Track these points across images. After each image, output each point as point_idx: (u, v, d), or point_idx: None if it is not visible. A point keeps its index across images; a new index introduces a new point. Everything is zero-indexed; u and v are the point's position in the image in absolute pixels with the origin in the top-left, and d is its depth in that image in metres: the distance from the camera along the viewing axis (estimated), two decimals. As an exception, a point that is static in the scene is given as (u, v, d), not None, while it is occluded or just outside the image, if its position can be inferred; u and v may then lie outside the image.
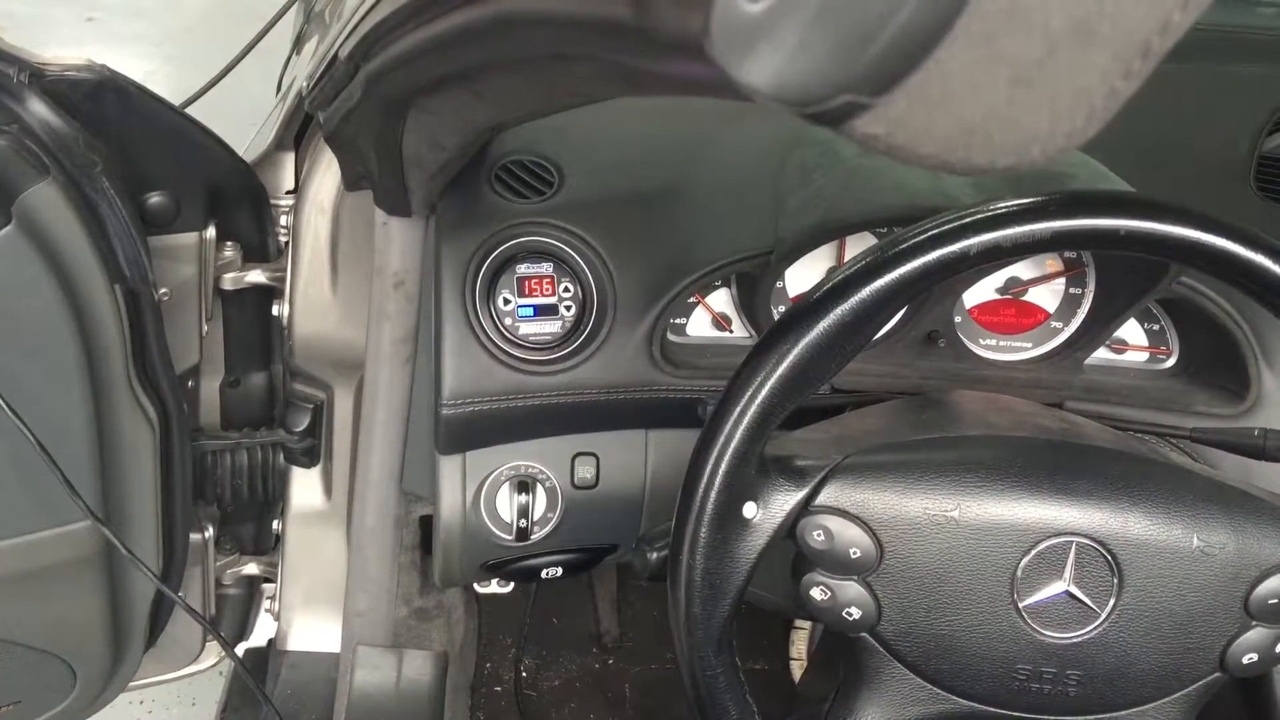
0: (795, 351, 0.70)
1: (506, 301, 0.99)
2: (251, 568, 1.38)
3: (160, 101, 1.03)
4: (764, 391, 0.71)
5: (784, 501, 0.75)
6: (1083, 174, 0.97)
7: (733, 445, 0.72)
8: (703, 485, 0.73)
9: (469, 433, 0.99)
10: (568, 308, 0.99)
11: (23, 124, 0.93)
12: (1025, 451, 0.79)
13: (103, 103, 0.98)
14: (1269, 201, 1.04)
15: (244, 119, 1.57)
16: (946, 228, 0.70)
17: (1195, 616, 0.76)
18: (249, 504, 1.33)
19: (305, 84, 1.01)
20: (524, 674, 1.57)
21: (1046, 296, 1.06)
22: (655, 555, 0.85)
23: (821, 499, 0.76)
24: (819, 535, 0.75)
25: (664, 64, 0.33)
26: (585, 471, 1.02)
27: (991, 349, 1.06)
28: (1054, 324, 1.06)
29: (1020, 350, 1.07)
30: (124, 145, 1.01)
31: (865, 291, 0.70)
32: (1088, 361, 1.06)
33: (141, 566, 1.04)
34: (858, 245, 1.03)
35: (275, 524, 1.38)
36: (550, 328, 0.99)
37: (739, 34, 0.26)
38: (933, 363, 1.03)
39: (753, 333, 1.06)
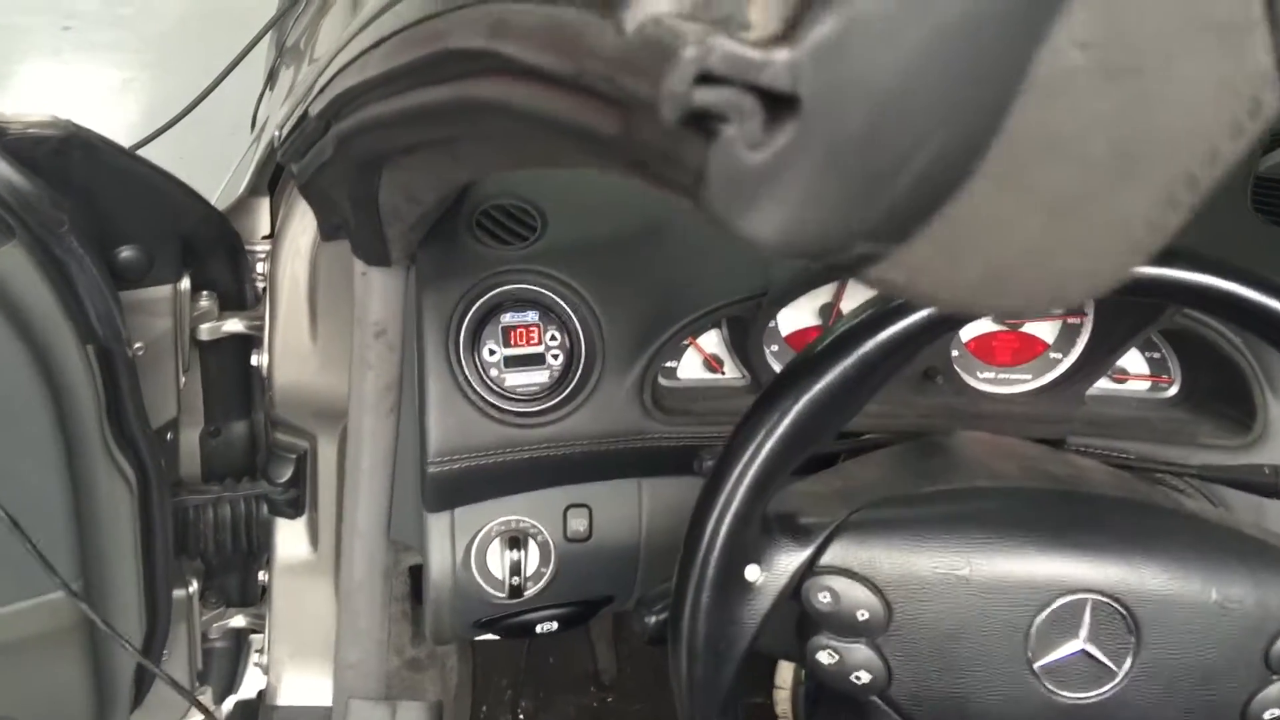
0: (797, 409, 0.68)
1: (492, 352, 0.96)
2: (238, 620, 1.35)
3: (128, 154, 1.00)
4: (765, 450, 0.69)
5: (788, 562, 0.73)
6: None
7: (734, 507, 0.69)
8: (703, 548, 0.70)
9: (457, 489, 0.96)
10: (555, 356, 0.96)
11: None
12: (1036, 504, 0.76)
13: (68, 158, 0.95)
14: (1267, 223, 1.01)
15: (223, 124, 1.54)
16: None
17: (1215, 673, 0.73)
18: (233, 556, 1.29)
19: (277, 134, 0.98)
20: (522, 717, 1.54)
21: (1044, 327, 1.04)
22: (654, 619, 0.82)
23: (827, 559, 0.73)
24: (825, 597, 0.73)
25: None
26: (578, 524, 0.99)
27: (990, 382, 1.04)
28: (1053, 355, 1.04)
29: (1019, 383, 1.04)
30: (92, 200, 0.98)
31: (869, 345, 0.67)
32: (1089, 392, 1.04)
33: (123, 642, 1.01)
34: (857, 285, 1.00)
35: (261, 575, 1.35)
36: (538, 378, 0.96)
37: (738, 186, 0.23)
38: (931, 399, 1.01)
39: (745, 374, 1.03)
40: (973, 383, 1.03)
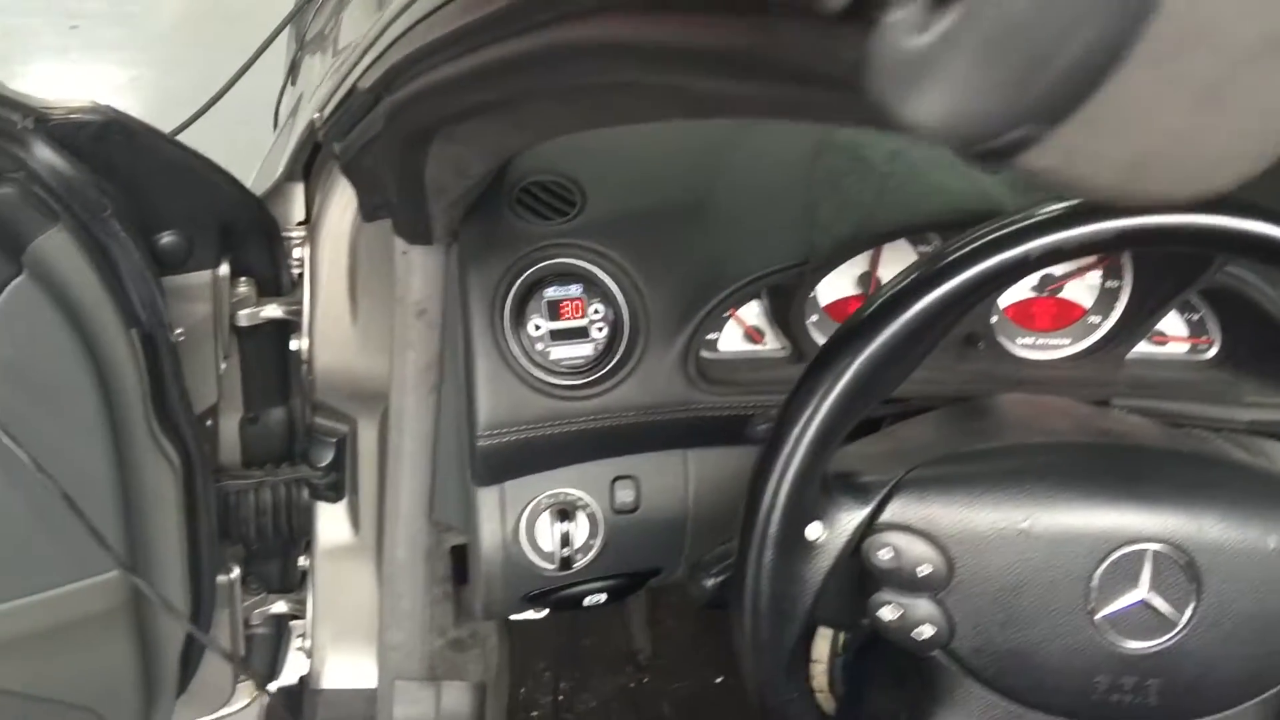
0: (855, 365, 0.68)
1: (537, 327, 0.96)
2: (280, 606, 1.35)
3: (167, 139, 1.01)
4: (825, 408, 0.69)
5: (849, 520, 0.73)
6: None
7: (794, 465, 0.70)
8: (765, 507, 0.71)
9: (506, 463, 0.97)
10: (599, 329, 0.97)
11: (29, 170, 0.91)
12: (1094, 457, 0.76)
13: (109, 144, 0.96)
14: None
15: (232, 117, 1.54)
16: (1005, 232, 0.68)
17: (1274, 620, 0.73)
18: (274, 542, 1.30)
19: (317, 115, 0.99)
20: (560, 697, 1.54)
21: (1082, 292, 1.04)
22: (711, 582, 0.82)
23: (886, 515, 0.73)
24: (886, 553, 0.73)
25: (786, 93, 0.30)
26: (625, 495, 0.99)
27: (1029, 348, 1.04)
28: (1091, 319, 1.04)
29: (1059, 348, 1.04)
30: (133, 186, 0.99)
31: (925, 300, 0.68)
32: (1129, 356, 1.04)
33: (176, 613, 1.02)
34: (893, 253, 1.01)
35: (301, 560, 1.35)
36: (583, 351, 0.97)
37: (902, 69, 0.23)
38: (972, 366, 1.01)
39: (786, 344, 1.03)
40: (1012, 349, 1.04)
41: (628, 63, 0.38)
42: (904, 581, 0.74)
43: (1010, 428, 0.83)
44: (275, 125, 1.70)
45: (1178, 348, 1.05)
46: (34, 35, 3.74)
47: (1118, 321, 1.03)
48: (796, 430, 0.70)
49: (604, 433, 0.97)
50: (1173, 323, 1.05)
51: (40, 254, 0.89)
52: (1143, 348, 1.04)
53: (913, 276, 0.69)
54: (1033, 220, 0.67)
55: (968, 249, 0.67)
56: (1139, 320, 1.01)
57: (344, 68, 0.94)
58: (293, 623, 1.40)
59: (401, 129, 0.77)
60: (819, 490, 0.72)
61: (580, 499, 0.99)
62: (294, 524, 1.28)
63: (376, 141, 0.83)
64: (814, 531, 0.73)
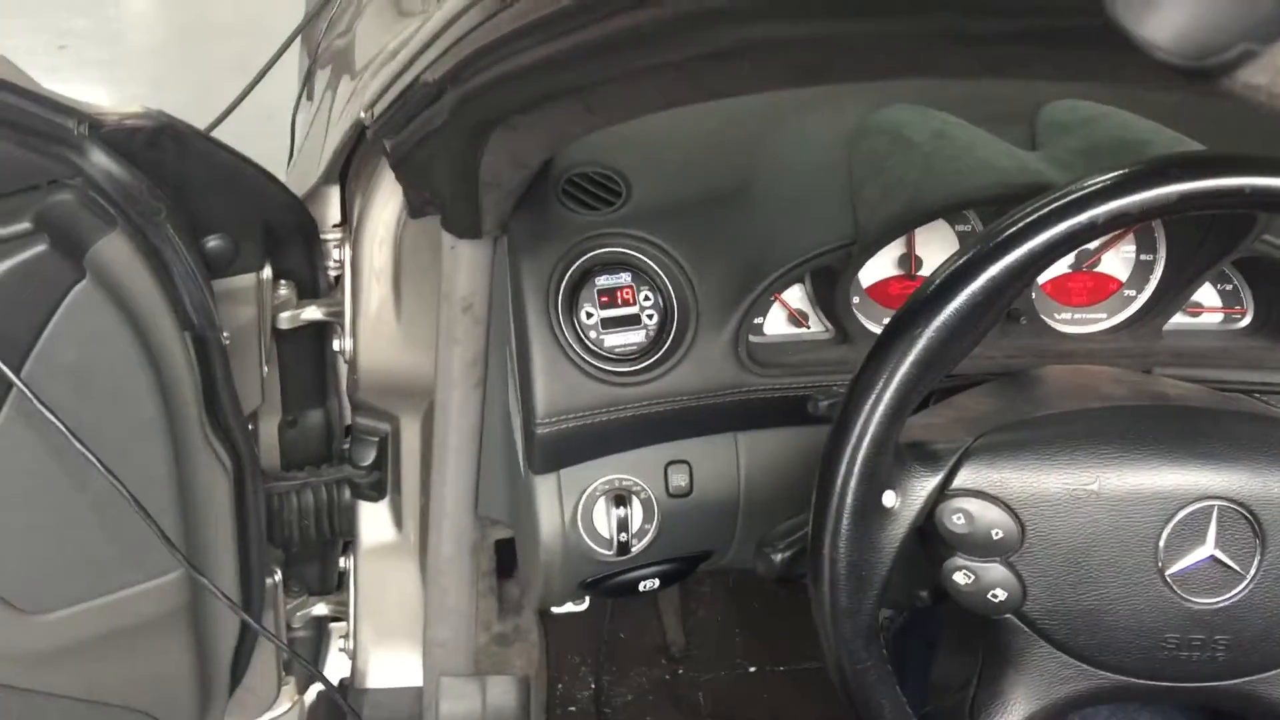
0: (928, 334, 0.69)
1: (589, 315, 0.97)
2: (320, 608, 1.36)
3: (217, 143, 1.02)
4: (899, 377, 0.70)
5: (922, 487, 0.75)
6: (1157, 139, 0.97)
7: (869, 433, 0.71)
8: (840, 476, 0.72)
9: (563, 450, 0.98)
10: (650, 316, 0.98)
11: (86, 176, 0.92)
12: (1157, 419, 0.78)
13: (161, 149, 0.97)
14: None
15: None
16: (1069, 200, 0.69)
17: None
18: (315, 543, 1.31)
19: (365, 113, 1.00)
20: (599, 691, 1.56)
21: (1117, 265, 1.06)
22: (781, 556, 0.84)
23: (959, 482, 0.75)
24: (959, 519, 0.75)
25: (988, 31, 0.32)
26: (679, 479, 1.01)
27: (1068, 322, 1.06)
28: (1127, 292, 1.06)
29: (1097, 321, 1.06)
30: (183, 190, 1.00)
31: (994, 269, 0.69)
32: (1165, 328, 1.06)
33: (239, 611, 1.03)
34: (929, 233, 1.02)
35: (341, 561, 1.36)
36: (635, 338, 0.98)
37: None
38: (1014, 340, 1.03)
39: (829, 326, 1.05)
40: (1052, 324, 1.05)
41: (784, 22, 0.40)
42: (977, 546, 0.75)
43: (1068, 395, 0.84)
44: (291, 135, 1.70)
45: (1212, 318, 1.08)
46: (22, 56, 3.72)
47: (1153, 294, 1.05)
48: (870, 401, 0.71)
49: (657, 418, 0.98)
50: (1207, 293, 1.07)
51: (100, 259, 0.90)
52: (1179, 319, 1.06)
53: (979, 247, 0.70)
54: (1098, 186, 0.69)
55: (1035, 216, 0.69)
56: (1174, 292, 1.03)
57: (394, 67, 0.96)
58: (332, 624, 1.41)
59: (468, 120, 0.78)
60: (892, 459, 0.74)
61: (635, 484, 1.00)
62: (336, 525, 1.29)
63: (436, 135, 0.85)
64: (889, 499, 0.74)
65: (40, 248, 0.87)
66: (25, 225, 0.88)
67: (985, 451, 0.76)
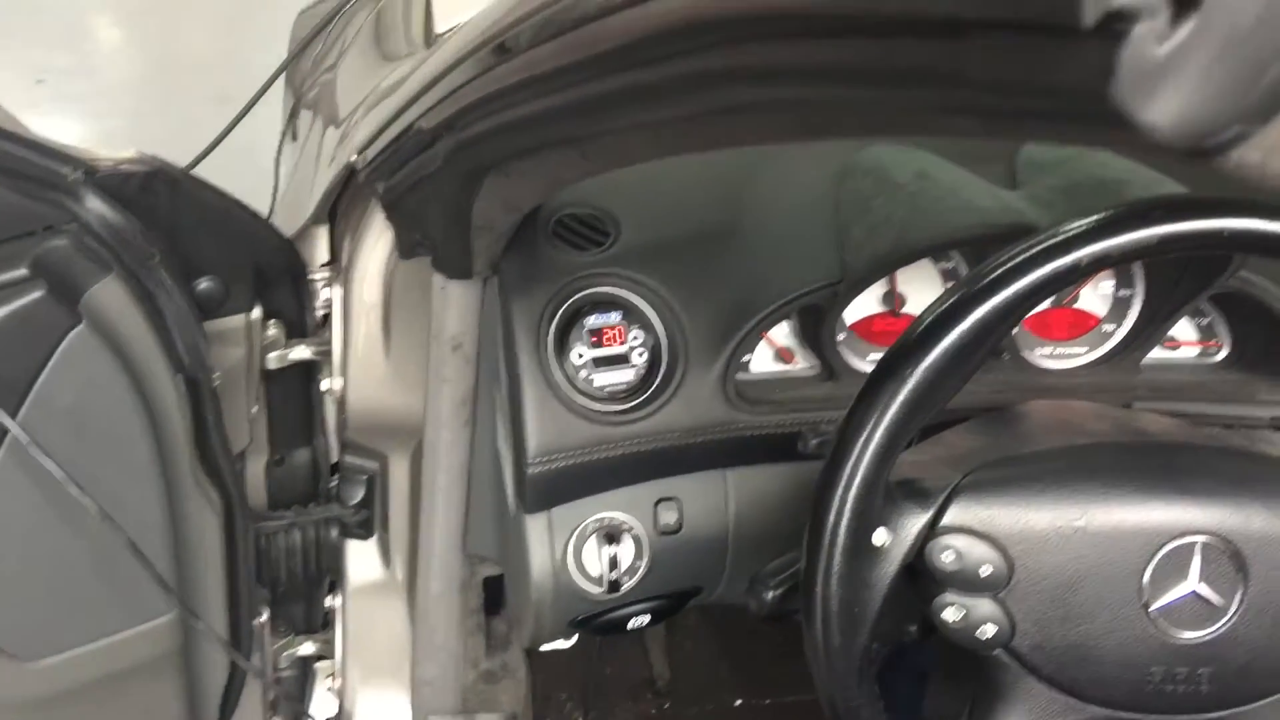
0: (917, 375, 0.71)
1: (580, 355, 0.99)
2: (307, 647, 1.36)
3: (209, 187, 1.03)
4: (888, 418, 0.72)
5: (912, 524, 0.76)
6: (1135, 178, 0.99)
7: (861, 473, 0.73)
8: (833, 516, 0.74)
9: (554, 489, 0.99)
10: (639, 355, 1.00)
11: (81, 222, 0.93)
12: (1140, 455, 0.80)
13: (155, 193, 0.98)
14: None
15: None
16: (1053, 242, 0.71)
17: None
18: (302, 582, 1.31)
19: (356, 157, 1.01)
20: (585, 726, 1.56)
21: (1096, 301, 1.08)
22: (773, 594, 0.85)
23: (948, 519, 0.76)
24: (948, 555, 0.76)
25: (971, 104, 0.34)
26: (669, 517, 1.02)
27: (1049, 357, 1.08)
28: (1106, 327, 1.08)
29: (1077, 356, 1.08)
30: (175, 233, 1.01)
31: (982, 310, 0.71)
32: (1144, 361, 1.08)
33: (231, 652, 1.03)
34: (913, 270, 1.04)
35: (328, 600, 1.36)
36: (625, 377, 0.99)
37: (1145, 76, 0.27)
38: (997, 376, 1.05)
39: (815, 364, 1.06)
40: (1032, 359, 1.07)
41: (788, 86, 0.41)
42: (966, 582, 0.77)
43: (1053, 431, 0.86)
44: (275, 173, 1.71)
45: (1189, 351, 1.10)
46: (1, 93, 3.74)
47: (1131, 329, 1.07)
48: (861, 441, 0.72)
49: (647, 456, 0.99)
50: (1184, 328, 1.09)
51: (96, 303, 0.90)
52: (1157, 353, 1.08)
53: (965, 289, 0.72)
54: (1080, 229, 0.71)
55: (1021, 258, 0.71)
56: (1152, 327, 1.06)
57: (385, 112, 0.97)
58: (318, 664, 1.41)
59: (462, 166, 0.80)
60: (883, 498, 0.75)
61: (626, 522, 1.01)
62: (323, 563, 1.29)
63: (430, 180, 0.86)
64: (880, 537, 0.75)
65: (37, 293, 0.88)
66: (22, 271, 0.88)
67: (973, 489, 0.77)
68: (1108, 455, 0.80)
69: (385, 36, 1.48)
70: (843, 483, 0.73)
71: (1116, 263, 0.72)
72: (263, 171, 1.77)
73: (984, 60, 0.31)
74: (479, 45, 0.68)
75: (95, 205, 0.93)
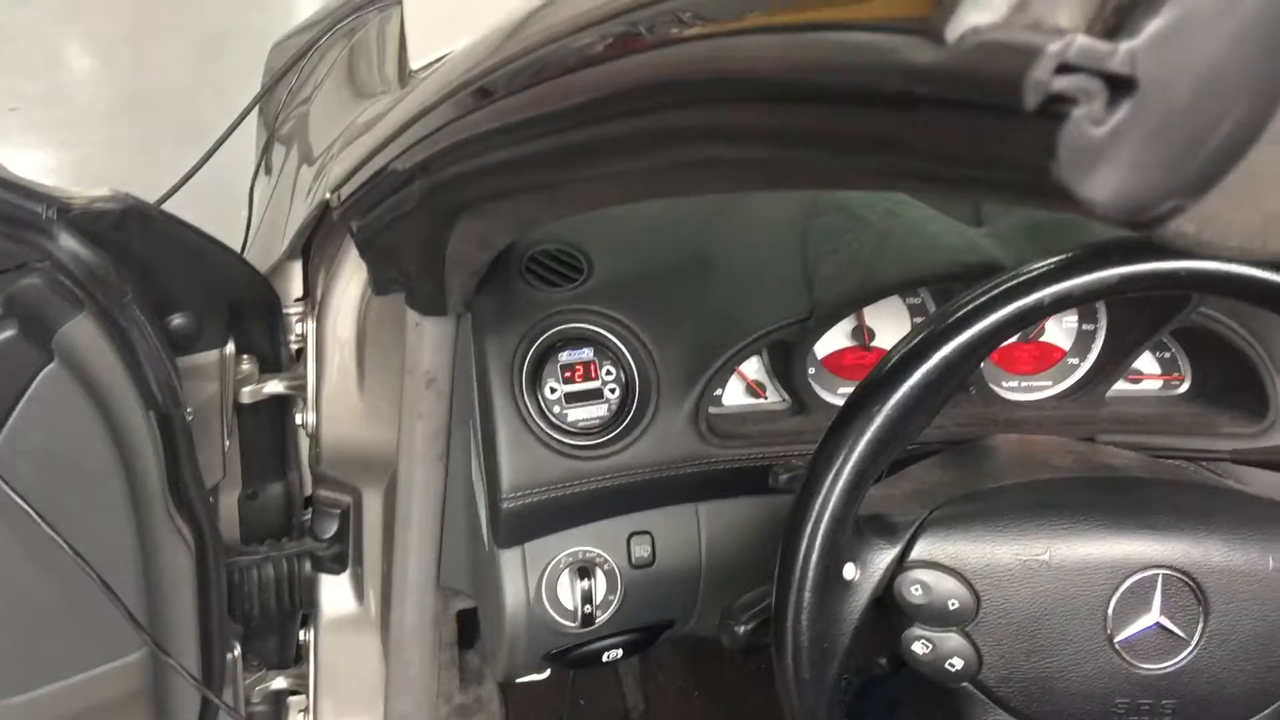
0: (885, 411, 0.72)
1: (553, 390, 1.00)
2: (280, 682, 1.36)
3: (181, 223, 1.03)
4: (856, 454, 0.73)
5: (880, 559, 0.77)
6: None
7: (830, 509, 0.74)
8: (803, 551, 0.75)
9: (528, 523, 0.99)
10: (612, 390, 1.01)
11: (54, 260, 0.93)
12: (1103, 490, 0.81)
13: (128, 230, 0.98)
14: None
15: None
16: (1017, 282, 0.73)
17: (1276, 635, 0.79)
18: (275, 617, 1.31)
19: (331, 195, 1.02)
20: (559, 759, 1.56)
21: (1060, 335, 1.10)
22: (744, 628, 0.86)
23: (916, 553, 0.77)
24: (916, 589, 0.77)
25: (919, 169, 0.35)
26: (642, 550, 1.03)
27: (1015, 390, 1.10)
28: (1070, 361, 1.10)
29: (1042, 389, 1.10)
30: (148, 270, 1.01)
31: (948, 348, 0.72)
32: (1108, 394, 1.10)
33: (204, 690, 1.03)
34: (881, 305, 1.06)
35: (300, 634, 1.36)
36: (598, 412, 1.00)
37: (1084, 156, 0.28)
38: (964, 410, 1.06)
39: (786, 398, 1.08)
40: (999, 392, 1.09)
41: (751, 145, 0.43)
42: (934, 616, 0.78)
43: (1018, 466, 0.88)
44: (249, 207, 1.72)
45: (1151, 384, 1.12)
46: (-29, 123, 3.73)
47: (1095, 363, 1.09)
48: (830, 477, 0.74)
49: (620, 490, 1.00)
50: (1146, 361, 1.11)
51: (68, 341, 0.90)
52: (1120, 386, 1.10)
53: (932, 328, 0.74)
54: (1043, 270, 0.72)
55: (985, 298, 0.72)
56: (1116, 360, 1.08)
57: (360, 150, 0.98)
58: (291, 699, 1.40)
59: (437, 206, 0.81)
60: (852, 533, 0.76)
61: (599, 556, 1.02)
62: (296, 598, 1.29)
63: (404, 219, 0.87)
64: (849, 572, 0.77)
65: (9, 332, 0.88)
66: (-7, 309, 0.88)
67: (941, 524, 0.78)
68: (1071, 490, 0.82)
69: (359, 72, 1.49)
70: (812, 518, 0.74)
71: (1079, 302, 0.74)
72: (235, 202, 1.78)
73: (933, 133, 0.32)
74: (455, 89, 0.69)
75: (68, 243, 0.94)
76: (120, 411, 0.96)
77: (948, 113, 0.31)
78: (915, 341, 0.73)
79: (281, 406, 1.24)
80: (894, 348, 0.75)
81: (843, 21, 0.34)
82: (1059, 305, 0.72)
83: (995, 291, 0.73)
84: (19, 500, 0.87)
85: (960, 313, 0.73)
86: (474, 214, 0.81)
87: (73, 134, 3.78)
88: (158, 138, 3.61)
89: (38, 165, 3.59)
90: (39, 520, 0.88)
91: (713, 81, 0.41)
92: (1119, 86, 0.27)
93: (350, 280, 1.13)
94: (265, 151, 1.72)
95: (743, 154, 0.44)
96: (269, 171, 1.66)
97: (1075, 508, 0.79)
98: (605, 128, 0.51)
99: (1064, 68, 0.28)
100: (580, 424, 1.00)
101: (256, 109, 1.77)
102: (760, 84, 0.38)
